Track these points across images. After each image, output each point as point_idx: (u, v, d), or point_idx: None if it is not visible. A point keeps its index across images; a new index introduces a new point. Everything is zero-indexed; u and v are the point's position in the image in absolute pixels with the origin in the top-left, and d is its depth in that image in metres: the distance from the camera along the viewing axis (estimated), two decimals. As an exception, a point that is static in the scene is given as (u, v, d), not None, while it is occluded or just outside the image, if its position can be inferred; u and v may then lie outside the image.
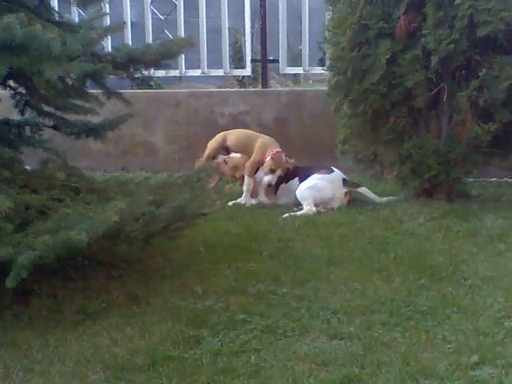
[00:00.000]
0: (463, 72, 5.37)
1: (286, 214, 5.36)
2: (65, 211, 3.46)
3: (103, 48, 6.51)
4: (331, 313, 3.44)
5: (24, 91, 4.20)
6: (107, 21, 6.34)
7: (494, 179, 6.37)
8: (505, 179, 6.38)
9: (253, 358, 3.01)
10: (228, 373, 2.89)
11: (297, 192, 5.60)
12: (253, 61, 7.76)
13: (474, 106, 5.22)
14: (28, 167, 4.22)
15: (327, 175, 5.66)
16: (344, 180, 5.68)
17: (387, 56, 5.24)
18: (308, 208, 5.44)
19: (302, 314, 3.44)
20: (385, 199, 5.61)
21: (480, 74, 5.24)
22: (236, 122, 7.16)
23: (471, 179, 5.92)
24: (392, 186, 5.86)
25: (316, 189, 5.55)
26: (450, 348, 3.05)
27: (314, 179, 5.63)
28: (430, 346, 3.09)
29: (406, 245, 4.48)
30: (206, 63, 7.58)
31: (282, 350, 3.07)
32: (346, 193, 5.61)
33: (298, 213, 5.42)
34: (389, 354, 3.00)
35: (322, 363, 2.95)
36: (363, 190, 5.70)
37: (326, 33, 5.83)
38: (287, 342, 3.16)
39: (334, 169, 5.74)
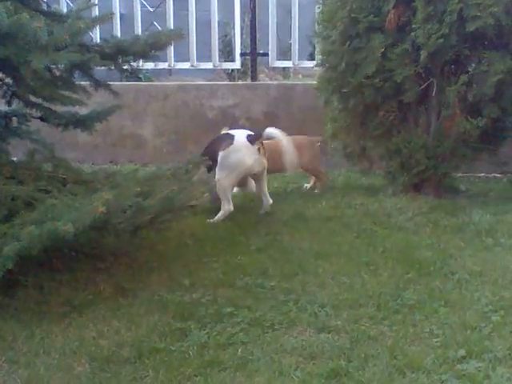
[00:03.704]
0: (452, 67, 5.37)
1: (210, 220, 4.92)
2: (51, 202, 3.44)
3: (91, 39, 6.48)
4: (319, 306, 3.44)
5: (11, 81, 4.16)
6: (96, 12, 6.30)
7: (483, 174, 6.38)
8: (493, 174, 6.39)
9: (240, 350, 3.00)
10: (215, 365, 2.88)
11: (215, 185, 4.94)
12: (242, 54, 7.73)
13: (463, 101, 5.23)
14: (15, 158, 4.19)
15: (232, 146, 4.92)
16: (248, 136, 4.95)
17: (382, 50, 5.23)
18: (226, 206, 4.94)
19: (290, 308, 3.44)
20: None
21: (469, 68, 5.24)
22: (225, 116, 7.15)
23: (459, 174, 5.93)
24: (380, 181, 5.86)
25: (232, 167, 4.91)
26: (437, 342, 3.06)
27: (223, 160, 4.91)
28: (417, 339, 3.09)
29: (394, 239, 4.47)
30: (195, 56, 7.55)
31: (269, 343, 3.07)
32: (258, 149, 4.94)
33: (218, 215, 4.93)
34: (376, 348, 3.00)
35: (309, 356, 2.94)
36: (268, 131, 5.00)
37: (316, 26, 5.82)
38: (274, 334, 3.16)
39: (232, 132, 5.05)
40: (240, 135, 4.99)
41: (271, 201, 5.17)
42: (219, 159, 4.93)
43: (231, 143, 4.93)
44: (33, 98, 4.20)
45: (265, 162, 5.03)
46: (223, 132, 5.28)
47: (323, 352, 2.97)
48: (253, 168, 4.97)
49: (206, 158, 4.72)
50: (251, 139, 4.93)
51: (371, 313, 3.36)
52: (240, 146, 4.91)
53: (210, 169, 4.91)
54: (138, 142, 7.38)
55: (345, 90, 5.49)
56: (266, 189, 5.16)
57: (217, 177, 4.93)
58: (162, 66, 7.72)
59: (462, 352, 2.94)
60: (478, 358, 2.90)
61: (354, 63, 5.37)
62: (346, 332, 3.16)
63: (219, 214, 4.95)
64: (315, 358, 2.94)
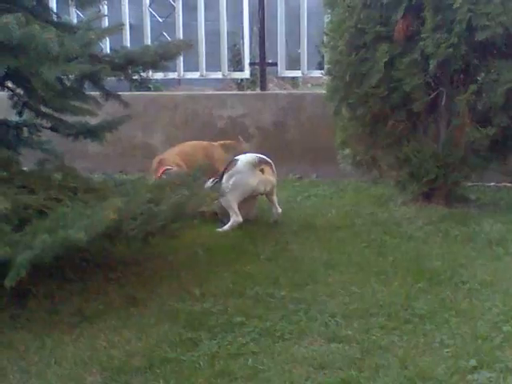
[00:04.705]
0: (461, 76, 5.36)
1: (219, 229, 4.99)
2: (63, 210, 3.45)
3: (101, 50, 6.51)
4: (329, 316, 3.43)
5: (22, 92, 4.19)
6: (106, 23, 6.33)
7: (493, 184, 6.34)
8: (503, 184, 6.36)
9: (250, 360, 3.00)
10: (225, 375, 2.88)
11: (220, 199, 4.98)
12: (251, 64, 7.73)
13: (473, 110, 5.21)
14: (26, 168, 4.21)
15: (235, 167, 5.05)
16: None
17: (385, 59, 5.23)
18: (234, 217, 4.99)
19: (300, 317, 3.44)
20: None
21: (478, 78, 5.23)
22: (234, 125, 7.16)
23: (470, 183, 5.90)
24: (390, 190, 5.85)
25: (237, 187, 5.00)
26: (448, 352, 3.05)
27: (228, 180, 5.01)
28: (428, 349, 3.08)
29: (405, 249, 4.47)
30: (204, 66, 7.57)
31: (280, 353, 3.06)
32: (262, 169, 5.04)
33: (228, 225, 4.98)
34: (387, 358, 2.99)
35: (319, 366, 2.94)
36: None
37: (324, 36, 5.83)
38: (285, 344, 3.15)
39: (237, 157, 5.14)
40: (244, 158, 5.09)
41: (280, 210, 5.19)
42: (224, 178, 5.04)
43: (235, 165, 5.05)
44: (44, 109, 4.23)
45: (273, 180, 5.10)
46: None
47: (334, 362, 2.97)
48: (258, 188, 5.05)
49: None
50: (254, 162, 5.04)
51: (382, 323, 3.35)
52: (242, 168, 5.02)
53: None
54: (148, 152, 7.36)
55: (350, 101, 5.50)
56: (275, 200, 5.18)
57: (221, 192, 4.96)
58: (172, 75, 7.74)
59: (473, 362, 2.93)
60: (490, 368, 2.89)
61: (359, 74, 5.37)
62: (356, 342, 3.15)
63: (228, 224, 4.97)
64: (326, 368, 2.93)
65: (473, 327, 3.28)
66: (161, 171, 5.41)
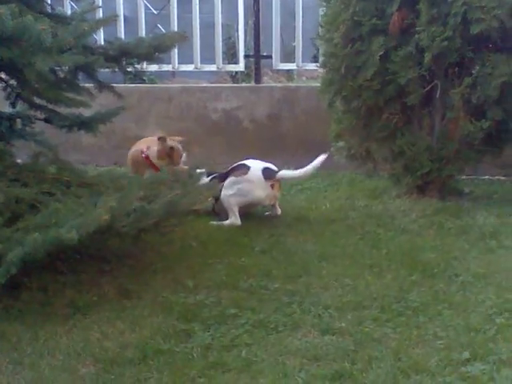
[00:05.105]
0: (456, 69, 5.36)
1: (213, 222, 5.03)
2: (55, 206, 3.44)
3: (95, 41, 6.49)
4: (323, 308, 3.43)
5: (15, 83, 4.18)
6: (100, 15, 6.31)
7: (487, 177, 6.36)
8: (497, 177, 6.38)
9: (244, 352, 3.00)
10: (219, 367, 2.88)
11: (222, 199, 5.03)
12: (246, 56, 7.72)
13: (467, 104, 5.21)
14: (19, 160, 4.20)
15: (247, 175, 5.01)
16: (264, 171, 5.01)
17: (380, 53, 5.23)
18: (233, 219, 4.97)
19: (294, 309, 3.44)
20: (304, 170, 5.06)
21: (473, 71, 5.23)
22: (229, 118, 7.16)
23: (464, 177, 5.93)
24: (384, 183, 5.85)
25: (244, 194, 4.99)
26: (441, 344, 3.05)
27: (235, 183, 5.01)
28: (421, 341, 3.08)
29: (398, 241, 4.47)
30: (199, 58, 7.55)
31: (273, 345, 3.06)
32: (272, 185, 5.03)
33: (225, 223, 4.98)
34: (380, 350, 3.00)
35: (313, 358, 2.94)
36: (281, 173, 5.04)
37: (320, 29, 5.81)
38: (278, 336, 3.16)
39: (248, 164, 5.08)
40: (256, 167, 5.04)
41: (280, 212, 5.19)
42: (229, 179, 5.02)
43: (246, 173, 5.00)
44: (37, 100, 4.22)
45: (278, 194, 5.12)
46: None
47: (327, 354, 2.97)
48: (264, 201, 5.08)
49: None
50: (266, 175, 4.99)
51: (375, 315, 3.35)
52: (253, 178, 5.00)
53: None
54: (142, 144, 7.36)
55: (344, 94, 5.49)
56: (277, 203, 5.18)
57: (223, 193, 4.99)
58: (166, 68, 7.73)
59: (466, 354, 2.93)
60: (483, 360, 2.90)
61: (354, 66, 5.36)
62: (349, 334, 3.15)
63: (225, 222, 4.97)
64: (319, 359, 2.93)
65: (466, 319, 3.28)
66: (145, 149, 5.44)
